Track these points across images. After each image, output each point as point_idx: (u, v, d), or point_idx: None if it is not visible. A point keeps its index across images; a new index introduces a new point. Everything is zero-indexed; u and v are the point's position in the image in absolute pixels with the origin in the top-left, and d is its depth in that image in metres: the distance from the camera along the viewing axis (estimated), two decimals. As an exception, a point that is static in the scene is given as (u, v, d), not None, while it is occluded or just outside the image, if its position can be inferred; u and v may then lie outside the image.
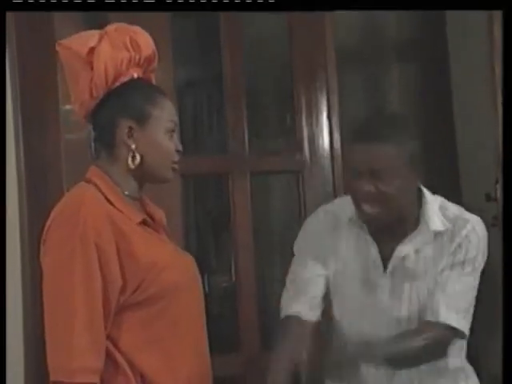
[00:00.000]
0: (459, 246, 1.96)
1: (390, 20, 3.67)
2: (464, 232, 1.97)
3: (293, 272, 2.14)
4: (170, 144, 1.86)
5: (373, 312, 2.02)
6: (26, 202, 2.57)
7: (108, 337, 1.75)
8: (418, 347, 1.94)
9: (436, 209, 2.00)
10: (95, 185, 1.82)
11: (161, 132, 1.85)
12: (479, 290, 2.02)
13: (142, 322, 1.77)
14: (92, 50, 1.83)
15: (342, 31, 2.97)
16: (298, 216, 2.88)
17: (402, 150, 1.92)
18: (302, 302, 2.07)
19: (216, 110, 3.63)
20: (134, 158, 1.83)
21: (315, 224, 2.14)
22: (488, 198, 3.00)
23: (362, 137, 1.95)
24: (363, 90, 3.86)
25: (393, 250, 1.99)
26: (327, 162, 2.86)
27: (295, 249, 2.17)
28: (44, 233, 1.80)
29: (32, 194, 2.59)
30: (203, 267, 1.99)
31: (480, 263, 1.99)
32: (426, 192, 2.03)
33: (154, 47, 1.92)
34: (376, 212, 1.93)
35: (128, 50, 1.86)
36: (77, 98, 1.91)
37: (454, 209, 2.02)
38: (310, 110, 2.92)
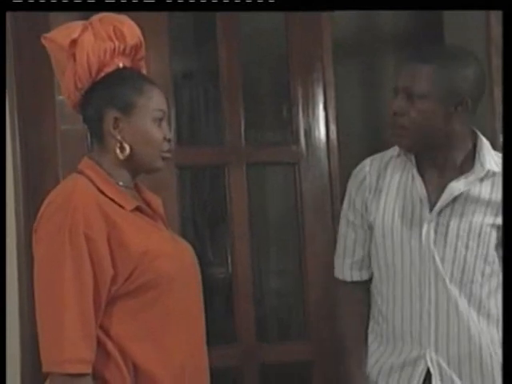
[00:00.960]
0: None
1: (387, 12, 3.66)
2: None
3: (341, 230, 2.16)
4: (158, 133, 1.85)
5: (416, 252, 1.98)
6: (22, 193, 2.57)
7: (100, 326, 1.75)
8: None
9: (490, 150, 1.98)
10: (87, 176, 1.83)
11: (148, 121, 1.84)
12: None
13: (134, 312, 1.77)
14: (74, 42, 1.84)
15: (338, 23, 2.96)
16: (295, 207, 2.88)
17: (446, 75, 1.89)
18: (350, 267, 2.13)
19: (212, 101, 3.62)
20: (122, 148, 1.83)
21: (361, 173, 2.11)
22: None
23: (408, 58, 1.97)
24: (360, 82, 3.86)
25: (442, 189, 1.95)
26: (323, 154, 2.86)
27: (345, 205, 2.17)
28: (35, 223, 1.81)
29: (28, 185, 2.59)
30: (199, 258, 1.99)
31: None
32: (480, 134, 2.00)
33: (140, 36, 1.92)
34: (408, 136, 1.91)
35: (112, 40, 1.86)
36: (64, 90, 1.92)
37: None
38: (307, 101, 2.91)
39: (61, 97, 2.65)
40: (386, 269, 2.04)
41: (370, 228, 2.07)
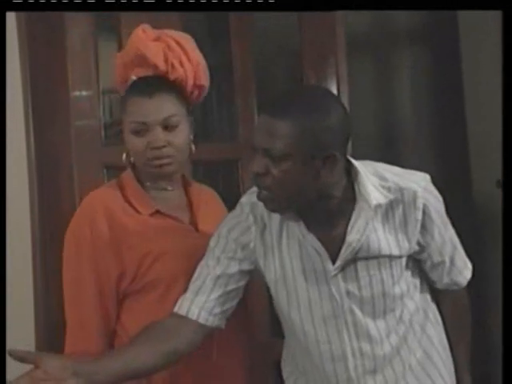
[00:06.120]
0: (418, 217, 1.77)
1: (401, 7, 3.66)
2: (418, 205, 1.76)
3: (203, 267, 1.87)
4: (139, 143, 1.91)
5: (329, 308, 1.81)
6: (37, 189, 2.58)
7: (119, 321, 1.90)
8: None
9: (370, 177, 1.75)
10: (120, 181, 1.98)
11: (128, 133, 1.93)
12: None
13: (147, 308, 1.89)
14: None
15: (351, 17, 2.96)
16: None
17: (307, 131, 1.62)
18: (204, 302, 1.83)
19: (226, 97, 3.63)
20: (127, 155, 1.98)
21: (241, 217, 1.87)
22: (499, 184, 2.99)
23: (263, 112, 1.70)
24: (373, 77, 3.86)
25: (336, 239, 1.76)
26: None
27: (211, 243, 1.89)
28: None
29: (42, 181, 2.60)
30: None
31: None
32: (356, 164, 1.76)
33: (141, 47, 1.96)
34: (274, 198, 1.71)
35: (124, 54, 2.00)
36: None
37: (393, 178, 1.78)
38: (320, 96, 2.91)
39: (77, 92, 2.69)
40: (296, 334, 1.88)
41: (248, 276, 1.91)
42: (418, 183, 1.78)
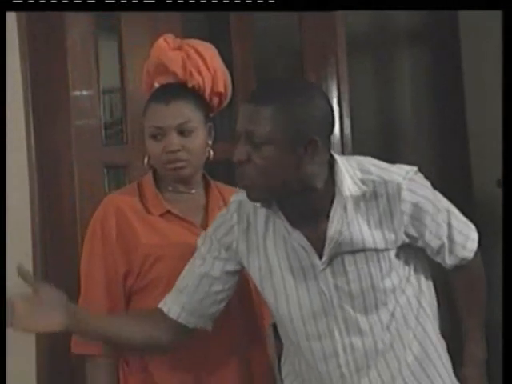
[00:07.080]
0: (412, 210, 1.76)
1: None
2: (403, 197, 1.75)
3: (190, 265, 1.90)
4: (156, 147, 1.98)
5: (318, 304, 1.80)
6: (37, 189, 2.58)
7: None
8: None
9: (351, 172, 1.74)
10: (141, 183, 2.06)
11: (147, 137, 2.00)
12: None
13: (149, 306, 1.93)
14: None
15: (351, 17, 2.97)
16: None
17: (289, 116, 1.64)
18: (185, 303, 1.87)
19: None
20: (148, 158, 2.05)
21: (226, 216, 1.87)
22: (499, 183, 2.99)
23: (249, 98, 1.70)
24: (373, 76, 3.86)
25: (320, 232, 1.76)
26: (337, 148, 2.86)
27: (199, 242, 1.91)
28: None
29: (43, 180, 2.60)
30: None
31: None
32: (338, 158, 1.76)
33: (161, 56, 2.03)
34: (256, 186, 1.69)
35: (148, 64, 2.06)
36: None
37: (377, 171, 1.76)
38: (320, 96, 2.91)
39: (77, 92, 2.69)
40: (288, 332, 1.87)
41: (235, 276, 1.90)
42: (403, 176, 1.77)
